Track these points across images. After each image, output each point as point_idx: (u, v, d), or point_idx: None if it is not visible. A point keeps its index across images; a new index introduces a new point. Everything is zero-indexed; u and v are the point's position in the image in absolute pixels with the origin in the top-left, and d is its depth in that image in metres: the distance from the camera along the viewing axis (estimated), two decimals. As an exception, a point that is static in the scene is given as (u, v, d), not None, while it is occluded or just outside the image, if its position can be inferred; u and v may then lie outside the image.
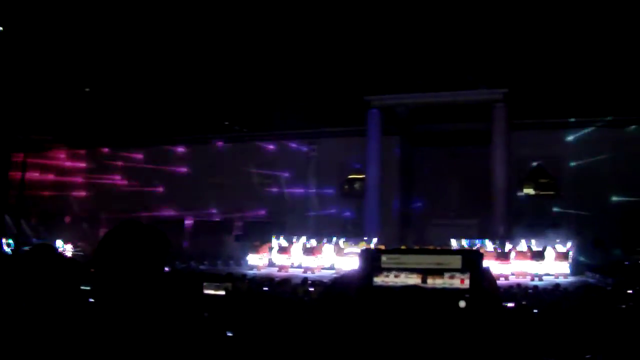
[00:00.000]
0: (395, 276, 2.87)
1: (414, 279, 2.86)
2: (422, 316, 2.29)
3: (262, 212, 32.51)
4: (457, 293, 2.83)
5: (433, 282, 2.85)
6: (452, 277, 2.83)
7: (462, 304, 2.76)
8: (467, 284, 2.83)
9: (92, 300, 2.70)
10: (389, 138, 30.13)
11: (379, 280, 2.89)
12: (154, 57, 28.97)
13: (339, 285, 2.92)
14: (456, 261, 2.84)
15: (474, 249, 22.55)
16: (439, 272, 2.84)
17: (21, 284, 3.19)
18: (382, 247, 25.57)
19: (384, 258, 2.95)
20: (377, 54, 26.72)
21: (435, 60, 26.90)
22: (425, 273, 2.87)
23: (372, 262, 2.92)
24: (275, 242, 26.68)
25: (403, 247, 24.36)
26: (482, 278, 2.80)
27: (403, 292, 2.44)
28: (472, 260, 2.86)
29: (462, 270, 2.85)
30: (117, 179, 35.99)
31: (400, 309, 2.32)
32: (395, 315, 2.31)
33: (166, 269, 2.92)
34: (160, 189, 34.90)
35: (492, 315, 2.71)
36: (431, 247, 24.52)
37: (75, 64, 29.75)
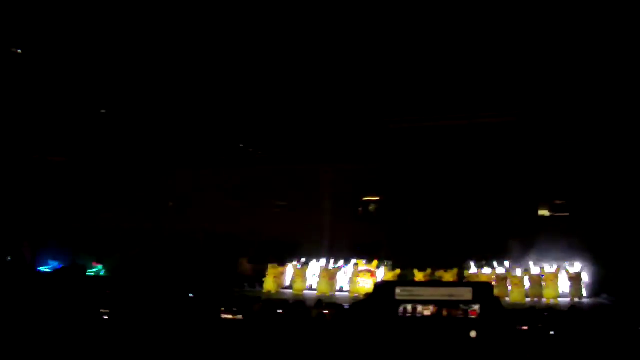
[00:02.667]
0: (412, 309, 3.02)
1: (429, 311, 3.00)
2: (437, 346, 2.42)
3: (277, 233, 32.60)
4: (469, 324, 2.96)
5: (447, 313, 2.99)
6: (464, 309, 2.97)
7: (473, 334, 2.89)
8: (477, 314, 2.96)
9: (109, 318, 2.87)
10: (405, 161, 30.22)
11: (395, 311, 3.04)
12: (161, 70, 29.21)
13: (357, 315, 3.05)
14: (467, 293, 2.98)
15: (484, 281, 22.60)
16: (452, 304, 2.98)
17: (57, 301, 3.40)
18: (398, 271, 25.73)
19: (398, 291, 3.09)
20: (393, 78, 26.91)
21: (450, 83, 27.04)
22: (439, 305, 3.01)
23: (387, 295, 3.07)
24: (290, 265, 26.84)
25: (415, 277, 24.52)
26: (492, 308, 2.94)
27: (420, 323, 2.58)
28: (482, 292, 3.00)
29: (473, 302, 2.98)
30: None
31: (419, 340, 2.46)
32: (413, 345, 2.45)
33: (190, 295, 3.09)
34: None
35: (502, 344, 2.84)
36: (443, 277, 24.65)
37: (92, 86, 30.15)
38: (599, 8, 19.27)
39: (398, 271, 25.60)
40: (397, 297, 2.59)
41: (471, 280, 24.33)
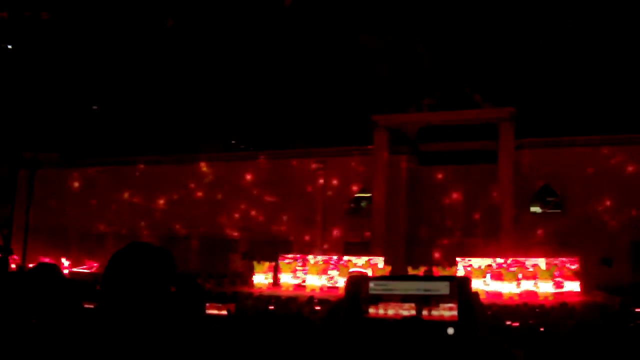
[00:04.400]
0: (386, 307, 2.87)
1: (408, 309, 2.86)
2: (415, 345, 2.29)
3: (269, 230, 32.47)
4: (447, 320, 2.82)
5: (427, 312, 2.85)
6: (441, 304, 2.83)
7: (450, 330, 2.76)
8: (455, 310, 2.83)
9: (96, 317, 2.74)
10: (396, 157, 30.17)
11: (369, 310, 2.89)
12: (157, 67, 29.13)
13: (334, 315, 2.92)
14: (444, 288, 2.85)
15: (463, 275, 22.51)
16: (428, 300, 2.84)
17: (27, 301, 3.26)
18: (389, 267, 25.65)
19: (371, 285, 2.95)
20: (384, 73, 26.86)
21: (441, 79, 27.00)
22: (418, 302, 2.87)
23: (359, 289, 2.92)
24: (281, 261, 26.73)
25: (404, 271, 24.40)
26: (470, 304, 2.81)
27: (399, 324, 2.45)
28: (460, 287, 2.87)
29: (450, 297, 2.85)
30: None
31: (396, 341, 2.33)
32: (389, 346, 2.32)
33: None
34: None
35: (480, 341, 2.71)
36: (421, 272, 24.58)
37: (84, 82, 30.01)
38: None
39: (389, 268, 25.46)
40: (371, 292, 2.50)
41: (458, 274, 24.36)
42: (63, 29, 27.15)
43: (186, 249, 32.39)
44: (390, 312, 2.80)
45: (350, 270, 25.58)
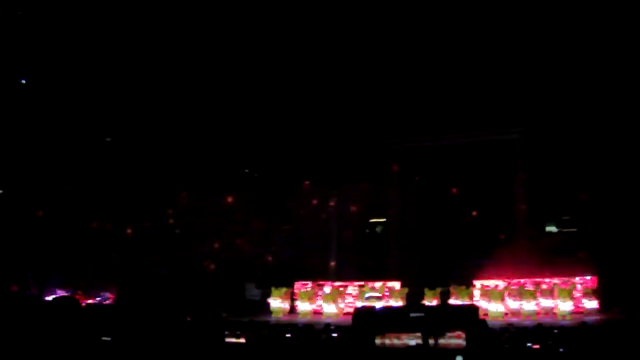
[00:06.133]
0: (396, 336, 2.92)
1: (415, 339, 2.92)
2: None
3: (284, 257, 32.44)
4: (455, 348, 2.88)
5: (433, 341, 2.90)
6: (450, 334, 2.88)
7: (459, 359, 2.81)
8: (463, 339, 2.88)
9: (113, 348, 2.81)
10: (410, 180, 30.20)
11: (379, 340, 2.95)
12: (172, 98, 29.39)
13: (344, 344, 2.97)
14: (453, 317, 2.89)
15: (471, 304, 22.39)
16: (437, 330, 2.89)
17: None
18: (406, 290, 25.53)
19: (377, 341, 3.00)
20: (397, 99, 27.04)
21: (451, 103, 27.14)
22: (425, 332, 2.92)
23: (367, 321, 2.97)
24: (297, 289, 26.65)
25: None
26: (478, 332, 2.86)
27: (407, 352, 2.50)
28: (468, 316, 2.92)
29: (458, 326, 2.90)
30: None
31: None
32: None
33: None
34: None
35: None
36: (437, 296, 24.49)
37: (96, 116, 30.30)
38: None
39: (406, 290, 25.37)
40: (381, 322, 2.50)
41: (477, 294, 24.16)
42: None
43: (202, 277, 32.36)
44: (397, 341, 2.88)
45: (366, 295, 25.47)
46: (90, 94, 29.31)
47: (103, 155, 33.28)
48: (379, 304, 23.90)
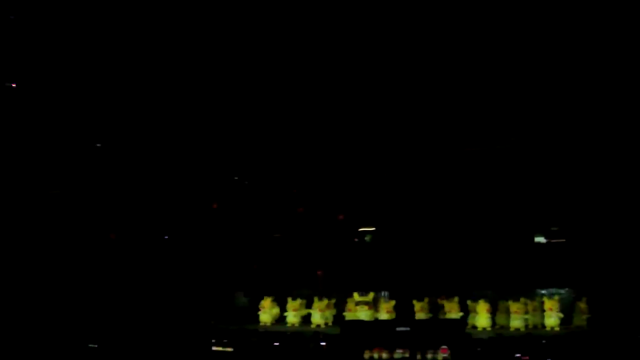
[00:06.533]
0: (384, 349, 2.88)
1: (402, 354, 2.87)
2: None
3: (272, 264, 32.30)
4: None
5: (420, 356, 2.86)
6: (436, 349, 2.84)
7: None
8: (449, 353, 2.84)
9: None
10: (397, 189, 30.11)
11: (368, 354, 2.90)
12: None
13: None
14: (439, 330, 2.85)
15: (458, 317, 22.48)
16: (424, 345, 2.84)
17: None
18: (393, 302, 25.56)
19: (369, 327, 2.95)
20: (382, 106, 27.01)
21: (439, 112, 27.18)
22: (412, 346, 2.88)
23: (355, 334, 2.92)
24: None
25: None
26: (464, 347, 2.81)
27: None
28: (454, 330, 2.87)
29: (444, 340, 2.85)
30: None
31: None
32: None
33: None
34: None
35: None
36: (425, 305, 24.54)
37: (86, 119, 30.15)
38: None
39: (393, 302, 25.41)
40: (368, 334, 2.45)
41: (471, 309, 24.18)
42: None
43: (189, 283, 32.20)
44: (385, 355, 2.82)
45: (356, 302, 25.47)
46: (80, 96, 29.18)
47: (93, 160, 33.11)
48: (367, 315, 23.92)
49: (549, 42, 22.64)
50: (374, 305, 25.41)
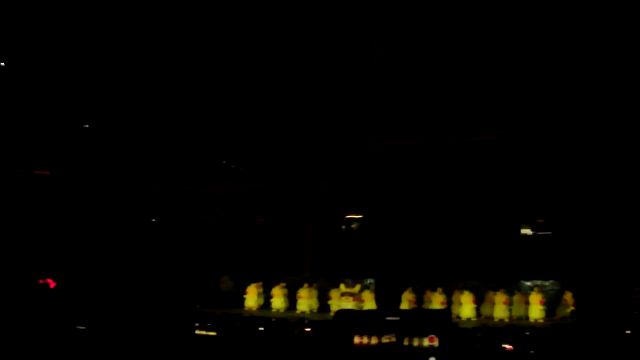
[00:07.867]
0: (371, 336, 2.87)
1: (389, 339, 2.87)
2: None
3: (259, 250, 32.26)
4: (428, 351, 2.84)
5: (408, 342, 2.85)
6: (423, 336, 2.84)
7: (432, 360, 2.76)
8: (436, 342, 2.84)
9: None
10: (389, 177, 30.10)
11: (357, 340, 2.90)
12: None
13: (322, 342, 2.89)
14: (426, 321, 2.85)
15: (443, 308, 22.61)
16: (411, 332, 2.85)
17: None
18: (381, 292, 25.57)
19: (358, 317, 2.94)
20: (374, 98, 27.01)
21: (429, 104, 27.19)
22: (399, 333, 2.88)
23: (348, 322, 2.92)
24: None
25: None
26: (451, 336, 2.81)
27: (381, 350, 2.44)
28: (440, 320, 2.88)
29: (432, 330, 2.85)
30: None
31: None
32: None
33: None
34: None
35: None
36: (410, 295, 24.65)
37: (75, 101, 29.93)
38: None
39: (381, 292, 25.42)
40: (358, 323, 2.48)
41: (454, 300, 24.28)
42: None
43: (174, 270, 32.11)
44: (374, 340, 2.82)
45: (341, 293, 25.46)
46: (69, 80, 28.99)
47: (79, 142, 32.85)
48: (351, 306, 23.97)
49: (535, 36, 22.70)
50: (358, 297, 25.43)
